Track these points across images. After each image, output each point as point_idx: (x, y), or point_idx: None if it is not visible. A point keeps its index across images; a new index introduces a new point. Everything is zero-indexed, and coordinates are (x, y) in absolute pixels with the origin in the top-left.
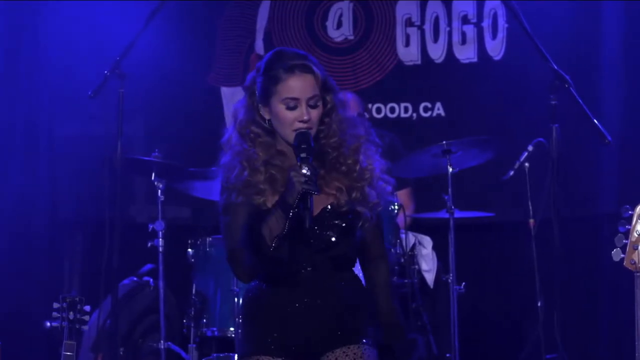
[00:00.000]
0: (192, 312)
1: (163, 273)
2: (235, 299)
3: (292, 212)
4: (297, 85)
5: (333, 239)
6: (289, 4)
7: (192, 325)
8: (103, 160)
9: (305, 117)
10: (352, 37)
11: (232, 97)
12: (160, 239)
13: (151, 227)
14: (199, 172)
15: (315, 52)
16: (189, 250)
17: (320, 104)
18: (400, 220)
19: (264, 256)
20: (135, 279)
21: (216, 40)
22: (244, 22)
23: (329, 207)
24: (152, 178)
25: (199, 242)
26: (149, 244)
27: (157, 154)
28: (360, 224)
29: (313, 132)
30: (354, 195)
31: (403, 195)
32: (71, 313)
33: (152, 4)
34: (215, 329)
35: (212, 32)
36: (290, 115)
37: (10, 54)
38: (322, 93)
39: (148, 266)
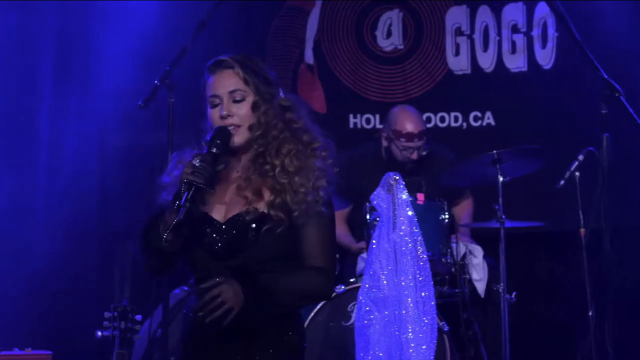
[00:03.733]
0: None
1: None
2: None
3: (178, 205)
4: (217, 83)
5: (237, 246)
6: (339, 14)
7: None
8: (153, 170)
9: (222, 112)
10: (401, 47)
11: None
12: None
13: None
14: None
15: (364, 61)
16: None
17: (250, 98)
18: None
19: (156, 246)
20: (186, 288)
21: (266, 49)
22: (293, 31)
23: (244, 211)
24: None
25: None
26: None
27: None
28: (272, 230)
29: (243, 127)
30: (275, 200)
31: (466, 205)
32: (122, 322)
33: (202, 13)
34: None
35: (261, 41)
36: (214, 113)
37: (62, 63)
38: (251, 87)
39: None
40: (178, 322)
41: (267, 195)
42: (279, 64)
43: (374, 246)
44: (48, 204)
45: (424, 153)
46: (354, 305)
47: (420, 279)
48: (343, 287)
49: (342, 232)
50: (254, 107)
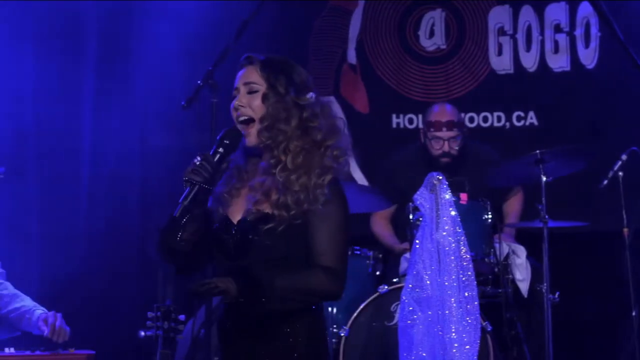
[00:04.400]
0: None
1: None
2: (329, 309)
3: (182, 202)
4: (239, 77)
5: (244, 246)
6: (381, 14)
7: None
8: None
9: (234, 103)
10: (444, 47)
11: None
12: None
13: None
14: None
15: (407, 61)
16: None
17: (263, 90)
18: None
19: (169, 246)
20: None
21: (308, 49)
22: (336, 31)
23: (249, 212)
24: None
25: None
26: None
27: None
28: (274, 230)
29: (255, 120)
30: (278, 199)
31: (515, 202)
32: (165, 322)
33: (245, 13)
34: None
35: (304, 41)
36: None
37: (104, 63)
38: (265, 80)
39: None
40: None
41: (273, 195)
42: (322, 64)
43: (417, 246)
44: (90, 204)
45: (456, 147)
46: (397, 305)
47: (464, 279)
48: (386, 287)
49: (386, 232)
50: (264, 98)
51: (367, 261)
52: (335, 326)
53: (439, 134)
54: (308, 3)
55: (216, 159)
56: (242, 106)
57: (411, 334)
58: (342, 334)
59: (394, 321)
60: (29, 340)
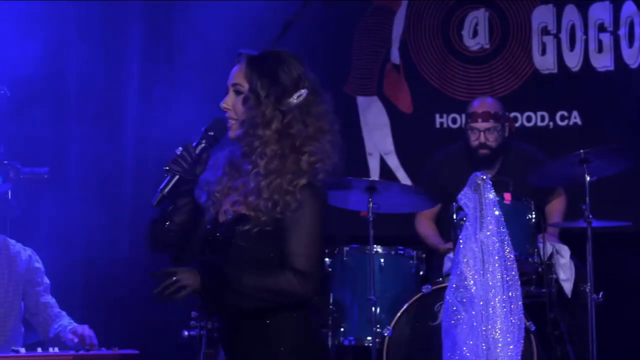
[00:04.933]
0: (330, 322)
1: None
2: (373, 308)
3: (160, 191)
4: (230, 75)
5: (221, 246)
6: (425, 13)
7: (330, 334)
8: None
9: (222, 103)
10: (487, 46)
11: (367, 107)
12: None
13: None
14: (335, 182)
15: (450, 60)
16: (326, 259)
17: (245, 92)
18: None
19: (154, 235)
20: None
21: (352, 49)
22: (379, 31)
23: (227, 211)
24: None
25: (336, 252)
26: None
27: None
28: (249, 231)
29: (238, 121)
30: (253, 201)
31: (558, 203)
32: (209, 322)
33: (289, 14)
34: (352, 338)
35: (348, 41)
36: None
37: (148, 60)
38: (248, 82)
39: None
40: None
41: (250, 197)
42: (365, 64)
43: (461, 246)
44: (135, 201)
45: (493, 139)
46: (440, 305)
47: (508, 278)
48: (430, 286)
49: (430, 232)
50: (244, 102)
51: (411, 261)
52: (378, 326)
53: (474, 124)
54: (352, 3)
55: (198, 150)
56: (227, 108)
57: (455, 334)
58: (386, 334)
59: (438, 321)
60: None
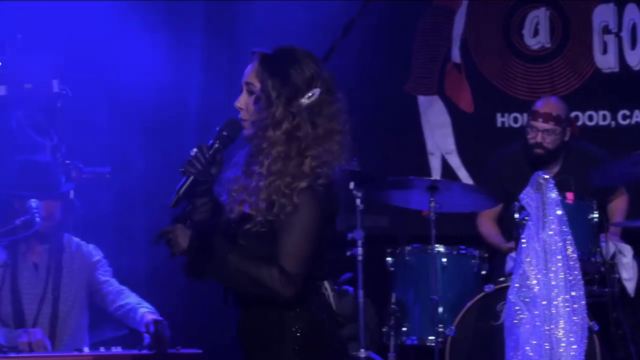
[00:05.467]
0: (392, 321)
1: (362, 282)
2: (435, 308)
3: (177, 192)
4: (244, 73)
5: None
6: (485, 12)
7: (392, 334)
8: None
9: (236, 102)
10: (548, 45)
11: (429, 106)
12: (359, 248)
13: (350, 235)
14: (397, 181)
15: (511, 60)
16: (388, 259)
17: (257, 92)
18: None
19: None
20: (335, 287)
21: (413, 49)
22: (440, 30)
23: (236, 210)
24: (351, 187)
25: (398, 251)
26: (348, 253)
27: (355, 162)
28: (249, 231)
29: (250, 120)
30: (252, 200)
31: (620, 203)
32: None
33: (350, 12)
34: (414, 337)
35: (408, 41)
36: None
37: (209, 60)
38: (260, 82)
39: (347, 275)
40: None
41: (253, 197)
42: (426, 64)
43: (524, 245)
44: None
45: (549, 141)
46: (503, 304)
47: (570, 278)
48: (492, 286)
49: (492, 232)
50: (255, 102)
51: (473, 260)
52: (441, 325)
53: (534, 123)
54: (412, 3)
55: (212, 151)
56: (241, 108)
57: (517, 334)
58: (448, 334)
59: (500, 320)
60: (136, 339)
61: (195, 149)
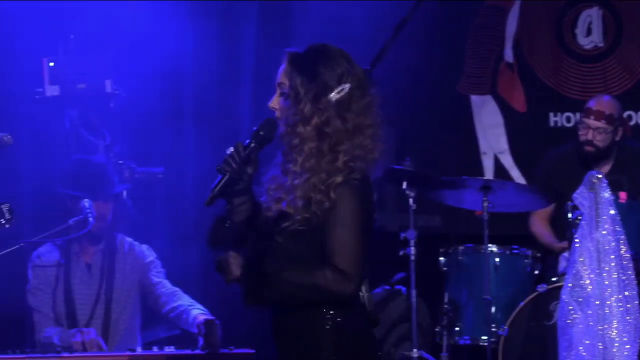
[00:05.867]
0: (445, 321)
1: (415, 281)
2: (488, 308)
3: (212, 190)
4: (278, 73)
5: (266, 242)
6: (538, 12)
7: (445, 333)
8: None
9: (269, 103)
10: (601, 45)
11: (481, 106)
12: (412, 248)
13: (403, 235)
14: (450, 181)
15: (564, 59)
16: (441, 258)
17: (287, 90)
18: None
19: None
20: (387, 287)
21: (465, 48)
22: (493, 30)
23: (273, 209)
24: (404, 187)
25: (450, 251)
26: (401, 253)
27: (408, 162)
28: (287, 228)
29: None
30: (289, 198)
31: None
32: None
33: (402, 12)
34: (467, 337)
35: (461, 40)
36: None
37: (263, 59)
38: (289, 80)
39: (400, 275)
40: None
41: (289, 195)
42: (479, 63)
43: (577, 245)
44: None
45: (600, 139)
46: (556, 304)
47: (624, 278)
48: (545, 286)
49: (544, 231)
50: (284, 99)
51: (526, 260)
52: (494, 325)
53: (586, 120)
54: (465, 2)
55: (248, 150)
56: (274, 108)
57: (571, 334)
58: (501, 333)
59: (553, 320)
60: (189, 339)
61: (231, 148)
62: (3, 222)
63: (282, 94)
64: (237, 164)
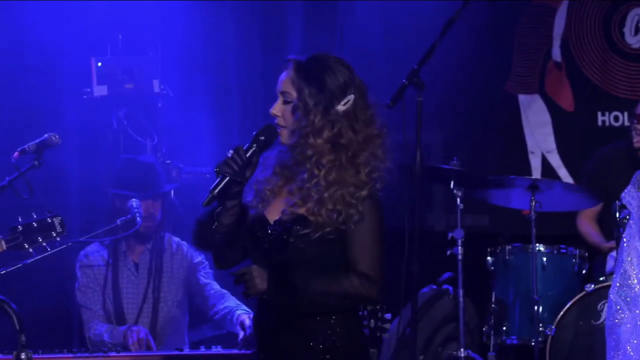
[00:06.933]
0: (492, 321)
1: (462, 281)
2: (536, 307)
3: (211, 192)
4: (278, 81)
5: (278, 247)
6: (586, 11)
7: (492, 333)
8: (402, 169)
9: (271, 110)
10: None
11: (529, 105)
12: (460, 247)
13: (450, 235)
14: (497, 180)
15: (611, 58)
16: (488, 258)
17: (293, 101)
18: None
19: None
20: (434, 287)
21: (513, 47)
22: (541, 29)
23: (285, 213)
24: (451, 186)
25: (498, 250)
26: (448, 252)
27: (455, 162)
28: (308, 235)
29: (288, 129)
30: (313, 207)
31: None
32: (372, 321)
33: (450, 12)
34: (514, 337)
35: (509, 39)
36: None
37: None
38: (296, 90)
39: (447, 274)
40: (426, 321)
41: (309, 203)
42: (527, 62)
43: (625, 244)
44: None
45: None
46: (604, 303)
47: None
48: (593, 285)
49: (592, 231)
50: (293, 110)
51: (573, 260)
52: (541, 325)
53: (638, 126)
54: (513, 2)
55: (248, 154)
56: (277, 115)
57: (618, 333)
58: (549, 333)
59: (601, 320)
60: (236, 339)
61: (231, 151)
62: (54, 234)
63: (285, 102)
64: (238, 166)
